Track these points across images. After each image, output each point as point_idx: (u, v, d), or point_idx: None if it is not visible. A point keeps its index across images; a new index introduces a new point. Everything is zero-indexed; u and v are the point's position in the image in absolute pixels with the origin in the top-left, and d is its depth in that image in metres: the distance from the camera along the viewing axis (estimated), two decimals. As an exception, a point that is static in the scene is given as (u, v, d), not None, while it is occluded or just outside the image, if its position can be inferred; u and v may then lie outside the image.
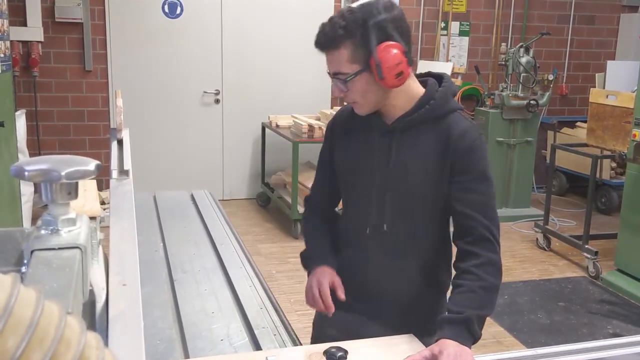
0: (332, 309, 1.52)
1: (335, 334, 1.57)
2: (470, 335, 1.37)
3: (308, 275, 1.64)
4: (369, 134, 1.53)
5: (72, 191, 0.72)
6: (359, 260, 1.60)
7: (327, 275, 1.57)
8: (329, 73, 1.47)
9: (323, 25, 1.42)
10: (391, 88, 1.42)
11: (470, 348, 1.36)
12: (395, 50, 1.37)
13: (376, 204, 1.54)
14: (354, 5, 1.39)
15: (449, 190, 1.48)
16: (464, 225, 1.48)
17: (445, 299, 1.58)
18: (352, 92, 1.44)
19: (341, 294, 1.52)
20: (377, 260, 1.58)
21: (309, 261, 1.65)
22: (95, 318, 0.77)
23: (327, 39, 1.40)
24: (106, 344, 0.66)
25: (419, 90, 1.50)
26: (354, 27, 1.36)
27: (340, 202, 1.72)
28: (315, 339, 1.72)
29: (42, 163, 0.70)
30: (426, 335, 1.48)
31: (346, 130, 1.59)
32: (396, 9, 1.41)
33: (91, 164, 0.72)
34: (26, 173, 0.69)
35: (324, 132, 1.72)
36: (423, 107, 1.47)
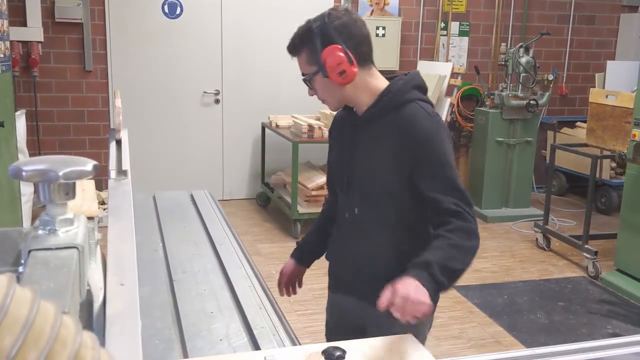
0: (284, 294, 1.96)
1: (342, 315, 1.83)
2: (431, 278, 1.42)
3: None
4: (344, 129, 1.71)
5: (70, 191, 0.73)
6: (343, 243, 1.79)
7: (289, 267, 2.00)
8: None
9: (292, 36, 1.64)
10: (340, 85, 1.57)
11: (432, 294, 1.40)
12: (337, 52, 1.54)
13: (349, 191, 1.70)
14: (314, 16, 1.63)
15: (413, 178, 1.57)
16: (434, 209, 1.57)
17: None
18: (318, 91, 1.63)
19: (293, 291, 1.95)
20: (354, 242, 1.73)
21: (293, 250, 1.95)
22: (92, 318, 0.77)
23: (290, 47, 1.63)
24: (103, 343, 0.66)
25: (383, 85, 1.64)
26: (307, 34, 1.58)
27: None
28: (327, 323, 2.02)
29: (40, 163, 0.70)
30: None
31: (338, 130, 1.78)
32: (346, 16, 1.62)
33: (89, 164, 0.72)
34: (24, 173, 0.69)
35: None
36: (382, 100, 1.61)
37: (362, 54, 1.59)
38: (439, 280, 1.43)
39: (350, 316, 1.78)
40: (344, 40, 1.56)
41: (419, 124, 1.56)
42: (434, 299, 1.42)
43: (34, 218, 4.57)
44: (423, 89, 1.67)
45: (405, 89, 1.62)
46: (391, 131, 1.58)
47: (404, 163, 1.57)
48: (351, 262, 1.76)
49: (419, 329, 1.63)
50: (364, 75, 1.61)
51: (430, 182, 1.55)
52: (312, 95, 1.66)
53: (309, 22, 1.62)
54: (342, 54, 1.54)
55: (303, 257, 2.02)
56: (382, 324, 1.54)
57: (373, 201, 1.66)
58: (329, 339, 1.92)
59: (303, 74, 1.62)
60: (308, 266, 2.05)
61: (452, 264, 1.47)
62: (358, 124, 1.65)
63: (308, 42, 1.58)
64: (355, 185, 1.68)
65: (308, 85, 1.64)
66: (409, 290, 1.38)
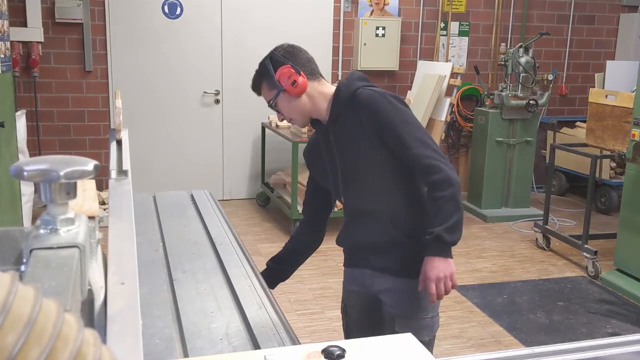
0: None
1: (355, 288, 2.05)
2: (446, 246, 1.74)
3: None
4: (319, 147, 1.96)
5: (71, 191, 0.73)
6: (350, 229, 2.04)
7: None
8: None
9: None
10: (297, 95, 1.84)
11: (450, 255, 1.75)
12: (287, 69, 1.84)
13: (345, 191, 1.94)
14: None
15: (388, 146, 1.79)
16: (415, 167, 1.79)
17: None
18: (284, 112, 1.89)
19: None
20: (359, 227, 1.98)
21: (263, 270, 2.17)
22: (93, 316, 0.78)
23: (253, 86, 1.94)
24: (105, 342, 0.67)
25: (334, 90, 1.90)
26: (262, 68, 1.89)
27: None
28: (343, 297, 2.16)
29: (41, 163, 0.71)
30: (415, 277, 1.85)
31: (313, 153, 2.05)
32: (289, 47, 1.97)
33: (90, 164, 0.73)
34: (25, 173, 0.69)
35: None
36: (336, 98, 1.87)
37: (309, 69, 1.90)
38: (451, 241, 1.74)
39: (366, 285, 2.02)
40: (291, 60, 1.87)
41: (371, 101, 1.80)
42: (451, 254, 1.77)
43: (34, 218, 4.58)
44: (365, 79, 1.91)
45: (350, 83, 1.88)
46: (355, 118, 1.81)
47: (375, 139, 1.79)
48: (360, 243, 2.01)
49: (427, 329, 1.95)
50: (315, 86, 1.89)
51: (400, 143, 1.77)
52: (282, 120, 1.93)
53: (261, 60, 1.93)
54: (291, 69, 1.85)
55: (271, 281, 2.21)
56: (391, 290, 1.94)
57: (363, 187, 1.89)
58: (346, 312, 2.15)
59: (269, 101, 1.89)
60: (272, 288, 2.15)
61: (452, 220, 1.73)
62: (327, 129, 1.90)
63: (264, 74, 1.88)
64: (347, 181, 1.90)
65: (274, 109, 1.91)
66: (439, 271, 1.73)
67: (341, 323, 2.22)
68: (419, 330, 1.97)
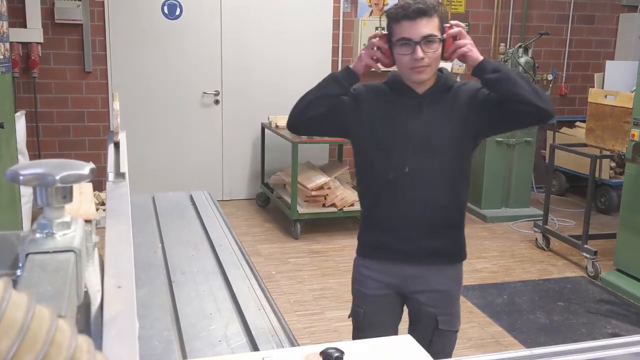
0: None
1: (381, 291, 2.02)
2: (489, 62, 1.88)
3: (342, 81, 1.98)
4: (399, 101, 1.94)
5: (67, 195, 0.73)
6: (386, 201, 1.95)
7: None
8: (407, 40, 1.81)
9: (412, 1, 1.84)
10: (442, 59, 1.89)
11: (484, 63, 1.90)
12: (449, 29, 1.89)
13: (398, 152, 1.91)
14: None
15: (486, 112, 1.89)
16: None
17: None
18: (431, 55, 1.83)
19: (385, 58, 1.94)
20: (403, 195, 1.93)
21: (337, 72, 2.02)
22: (90, 320, 0.78)
23: (428, 8, 1.82)
24: (101, 346, 0.66)
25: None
26: (438, 9, 1.86)
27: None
28: (359, 301, 2.10)
29: (37, 167, 0.71)
30: (457, 261, 2.03)
31: (374, 97, 1.98)
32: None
33: (86, 168, 0.73)
34: (21, 177, 0.69)
35: (354, 89, 2.03)
36: (442, 79, 1.94)
37: None
38: (491, 68, 1.86)
39: (401, 285, 2.02)
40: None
41: (469, 85, 1.97)
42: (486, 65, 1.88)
43: (34, 219, 4.57)
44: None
45: (450, 75, 2.00)
46: (451, 104, 1.92)
47: (471, 118, 1.90)
48: (407, 225, 1.95)
49: (458, 317, 2.09)
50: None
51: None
52: (421, 57, 1.81)
53: (430, 3, 1.84)
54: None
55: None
56: (431, 290, 1.99)
57: (433, 159, 1.91)
58: (356, 314, 2.10)
59: (427, 35, 1.81)
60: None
61: (511, 74, 1.86)
62: (423, 97, 1.92)
63: (440, 15, 1.86)
64: (413, 147, 1.90)
65: (422, 46, 1.81)
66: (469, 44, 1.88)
67: (341, 324, 2.22)
68: (455, 322, 2.09)
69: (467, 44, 1.88)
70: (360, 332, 2.10)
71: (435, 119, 1.92)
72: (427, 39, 1.81)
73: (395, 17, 1.85)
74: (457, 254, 2.04)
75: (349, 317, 2.16)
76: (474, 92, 1.93)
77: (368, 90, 2.02)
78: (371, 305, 2.06)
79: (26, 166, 0.71)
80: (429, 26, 1.82)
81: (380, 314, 2.06)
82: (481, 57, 1.89)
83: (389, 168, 1.92)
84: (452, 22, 1.91)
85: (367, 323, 2.07)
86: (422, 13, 1.81)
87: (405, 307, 2.11)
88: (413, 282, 2.01)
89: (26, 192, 4.27)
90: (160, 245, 2.13)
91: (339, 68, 6.09)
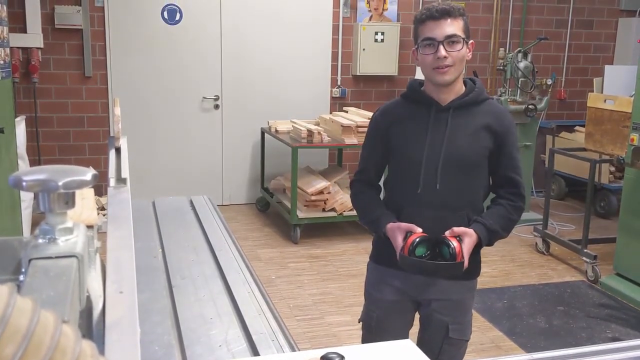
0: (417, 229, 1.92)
1: (410, 288, 2.03)
2: (487, 242, 1.92)
3: (378, 233, 2.02)
4: (424, 115, 1.95)
5: (70, 201, 0.73)
6: (407, 216, 1.95)
7: (400, 226, 1.94)
8: (431, 40, 1.85)
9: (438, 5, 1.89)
10: (468, 54, 1.90)
11: (478, 248, 1.93)
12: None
13: (428, 168, 1.93)
14: None
15: (497, 157, 1.94)
16: (507, 186, 1.99)
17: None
18: (455, 55, 1.85)
19: (419, 228, 1.90)
20: (428, 214, 1.94)
21: (379, 222, 1.99)
22: (92, 325, 0.78)
23: (454, 10, 1.86)
24: (103, 351, 0.67)
25: (462, 82, 1.98)
26: (463, 14, 1.91)
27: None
28: (369, 309, 2.13)
29: (40, 173, 0.71)
30: (472, 278, 2.05)
31: (399, 117, 2.00)
32: None
33: (88, 174, 0.73)
34: (24, 183, 0.70)
35: (373, 123, 2.10)
36: (472, 92, 1.94)
37: None
38: (490, 243, 1.94)
39: (416, 292, 2.04)
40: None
41: (507, 116, 2.00)
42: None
43: (34, 224, 4.58)
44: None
45: (483, 88, 2.01)
46: (482, 119, 1.93)
47: (491, 144, 1.92)
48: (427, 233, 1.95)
49: (470, 327, 2.12)
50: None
51: (511, 161, 1.97)
52: (444, 56, 1.84)
53: (454, 6, 1.89)
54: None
55: (393, 218, 2.01)
56: (445, 299, 2.01)
57: (459, 180, 1.94)
58: (369, 319, 2.12)
59: (455, 35, 1.85)
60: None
61: (503, 233, 1.95)
62: (448, 109, 1.92)
63: (465, 18, 1.90)
64: (442, 163, 1.91)
65: (445, 46, 1.84)
66: (470, 249, 1.87)
67: (341, 329, 2.22)
68: (466, 331, 2.10)
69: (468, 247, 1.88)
70: (371, 336, 2.12)
71: (461, 134, 1.92)
72: (451, 39, 1.84)
73: (420, 18, 1.89)
74: (473, 271, 2.04)
75: (359, 322, 2.18)
76: (501, 135, 1.94)
77: (385, 117, 2.04)
78: (384, 310, 2.08)
79: (29, 172, 0.71)
80: (452, 26, 1.85)
81: (393, 319, 2.09)
82: (475, 240, 1.89)
83: (417, 184, 1.94)
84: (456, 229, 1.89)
85: (379, 328, 2.09)
86: (446, 13, 1.85)
87: (416, 313, 2.14)
88: (428, 291, 2.03)
89: (26, 197, 4.27)
90: (160, 249, 2.13)
91: (339, 73, 6.10)
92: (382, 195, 2.14)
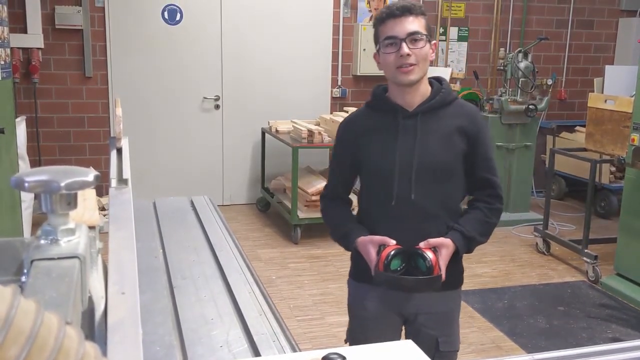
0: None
1: (395, 303, 1.95)
2: (465, 250, 1.87)
3: (349, 248, 1.95)
4: (391, 123, 1.86)
5: (72, 201, 0.73)
6: (385, 229, 1.86)
7: (373, 239, 1.85)
8: (393, 38, 1.78)
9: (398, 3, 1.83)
10: (431, 54, 1.83)
11: (455, 256, 1.85)
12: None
13: (401, 178, 1.84)
14: None
15: (471, 159, 1.87)
16: (484, 188, 1.93)
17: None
18: (418, 53, 1.78)
19: (392, 240, 1.81)
20: (405, 226, 1.86)
21: (348, 237, 1.92)
22: (94, 326, 0.78)
23: (415, 7, 1.80)
24: (105, 352, 0.67)
25: (428, 83, 1.91)
26: (423, 12, 1.84)
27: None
28: (357, 328, 2.05)
29: (42, 174, 0.71)
30: (456, 287, 2.00)
31: (365, 128, 1.92)
32: None
33: (90, 175, 0.73)
34: (26, 184, 0.70)
35: (338, 136, 2.02)
36: (438, 94, 1.86)
37: None
38: (468, 251, 1.89)
39: (400, 307, 1.97)
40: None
41: (478, 115, 1.94)
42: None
43: (34, 224, 4.58)
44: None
45: (450, 88, 1.93)
46: (452, 121, 1.86)
47: (465, 147, 1.85)
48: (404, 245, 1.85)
49: (458, 336, 2.03)
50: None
51: (485, 162, 1.91)
52: (407, 54, 1.77)
53: (415, 4, 1.83)
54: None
55: (364, 232, 1.92)
56: (431, 312, 1.94)
57: (433, 183, 1.86)
58: (356, 339, 2.04)
59: (418, 32, 1.78)
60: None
61: (481, 239, 1.90)
62: (415, 115, 1.85)
63: (425, 16, 1.83)
64: (416, 172, 1.83)
65: (408, 44, 1.77)
66: (447, 259, 1.80)
67: (342, 330, 2.20)
68: (455, 342, 2.02)
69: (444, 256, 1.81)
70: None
71: (433, 139, 1.84)
72: (413, 37, 1.77)
73: (380, 18, 1.82)
74: (456, 281, 1.99)
75: (345, 342, 2.08)
76: (474, 136, 1.87)
77: (351, 129, 1.96)
78: (370, 327, 2.00)
79: (31, 173, 0.71)
80: (414, 23, 1.78)
81: (380, 335, 1.96)
82: (453, 249, 1.82)
83: (390, 196, 1.86)
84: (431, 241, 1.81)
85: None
86: (407, 10, 1.78)
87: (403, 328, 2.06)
88: (413, 304, 1.96)
89: (26, 198, 4.27)
90: (161, 250, 2.13)
91: (339, 73, 6.11)
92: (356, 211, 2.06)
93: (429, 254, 1.75)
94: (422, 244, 1.78)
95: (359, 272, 1.98)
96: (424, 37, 1.78)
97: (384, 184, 1.87)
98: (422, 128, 1.84)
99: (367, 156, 1.91)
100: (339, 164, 2.02)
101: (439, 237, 1.84)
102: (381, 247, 1.80)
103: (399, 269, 1.77)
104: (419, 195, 1.84)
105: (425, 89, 1.86)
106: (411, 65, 1.78)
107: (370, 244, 1.82)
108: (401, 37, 1.77)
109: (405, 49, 1.76)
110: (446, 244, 1.80)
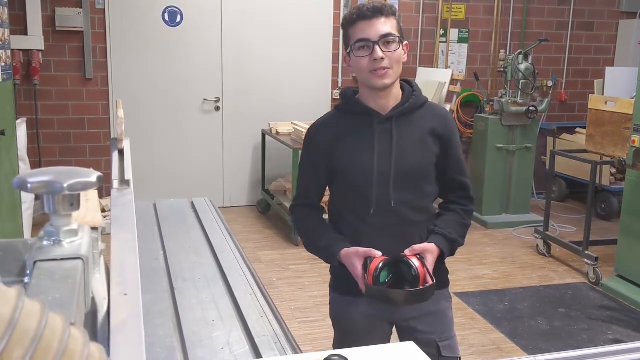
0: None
1: (383, 310, 1.87)
2: (451, 249, 1.84)
3: (330, 262, 1.87)
4: (366, 127, 1.81)
5: (74, 202, 0.73)
6: (366, 239, 1.80)
7: (358, 252, 1.76)
8: (365, 41, 1.71)
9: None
10: (403, 56, 1.77)
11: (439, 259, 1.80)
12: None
13: (379, 185, 1.79)
14: None
15: (444, 161, 1.85)
16: (457, 190, 1.91)
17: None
18: (391, 57, 1.73)
19: (377, 252, 1.73)
20: (386, 233, 1.81)
21: (330, 250, 1.82)
22: (97, 328, 0.78)
23: (386, 8, 1.74)
24: (108, 354, 0.67)
25: (399, 87, 1.86)
26: (395, 12, 1.78)
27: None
28: (341, 331, 1.99)
29: (45, 175, 0.71)
30: (443, 287, 1.91)
31: (338, 133, 1.84)
32: None
33: (93, 176, 0.73)
34: (29, 185, 0.70)
35: (311, 141, 1.91)
36: (411, 97, 1.83)
37: None
38: (451, 253, 1.85)
39: (391, 315, 1.91)
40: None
41: (449, 117, 1.92)
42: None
43: (34, 225, 4.58)
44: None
45: (421, 91, 1.89)
46: (426, 123, 1.83)
47: (436, 148, 1.83)
48: (388, 253, 1.76)
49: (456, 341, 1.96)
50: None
51: (458, 164, 1.89)
52: (381, 58, 1.70)
53: (386, 4, 1.78)
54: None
55: (346, 242, 1.83)
56: (425, 314, 1.87)
57: (412, 189, 1.82)
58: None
59: (387, 34, 1.72)
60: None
61: (461, 241, 1.87)
62: (390, 118, 1.80)
63: (397, 17, 1.78)
64: (394, 177, 1.79)
65: (381, 46, 1.71)
66: (433, 264, 1.75)
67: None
68: (455, 348, 1.95)
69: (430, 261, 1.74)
70: None
71: (409, 143, 1.80)
72: (386, 39, 1.70)
73: (350, 19, 1.74)
74: (443, 281, 1.92)
75: None
76: (446, 138, 1.84)
77: (322, 134, 1.86)
78: (360, 339, 1.87)
79: (34, 174, 0.71)
80: (387, 25, 1.71)
81: (370, 344, 1.92)
82: (437, 254, 1.77)
83: (368, 205, 1.79)
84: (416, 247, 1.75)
85: None
86: (379, 11, 1.71)
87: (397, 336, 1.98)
88: (403, 311, 1.86)
89: (27, 199, 4.27)
90: (162, 252, 2.13)
91: (340, 74, 6.11)
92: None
93: (415, 262, 1.68)
94: (407, 252, 1.72)
95: (342, 284, 1.90)
96: (397, 38, 1.72)
97: (360, 191, 1.80)
98: (397, 132, 1.79)
99: (342, 162, 1.82)
100: (314, 170, 1.89)
101: (421, 242, 1.79)
102: (367, 259, 1.70)
103: (387, 280, 1.69)
104: (398, 201, 1.79)
105: (397, 92, 1.81)
106: (385, 69, 1.72)
107: (355, 256, 1.72)
108: (374, 39, 1.70)
109: (378, 52, 1.70)
110: (431, 250, 1.75)
